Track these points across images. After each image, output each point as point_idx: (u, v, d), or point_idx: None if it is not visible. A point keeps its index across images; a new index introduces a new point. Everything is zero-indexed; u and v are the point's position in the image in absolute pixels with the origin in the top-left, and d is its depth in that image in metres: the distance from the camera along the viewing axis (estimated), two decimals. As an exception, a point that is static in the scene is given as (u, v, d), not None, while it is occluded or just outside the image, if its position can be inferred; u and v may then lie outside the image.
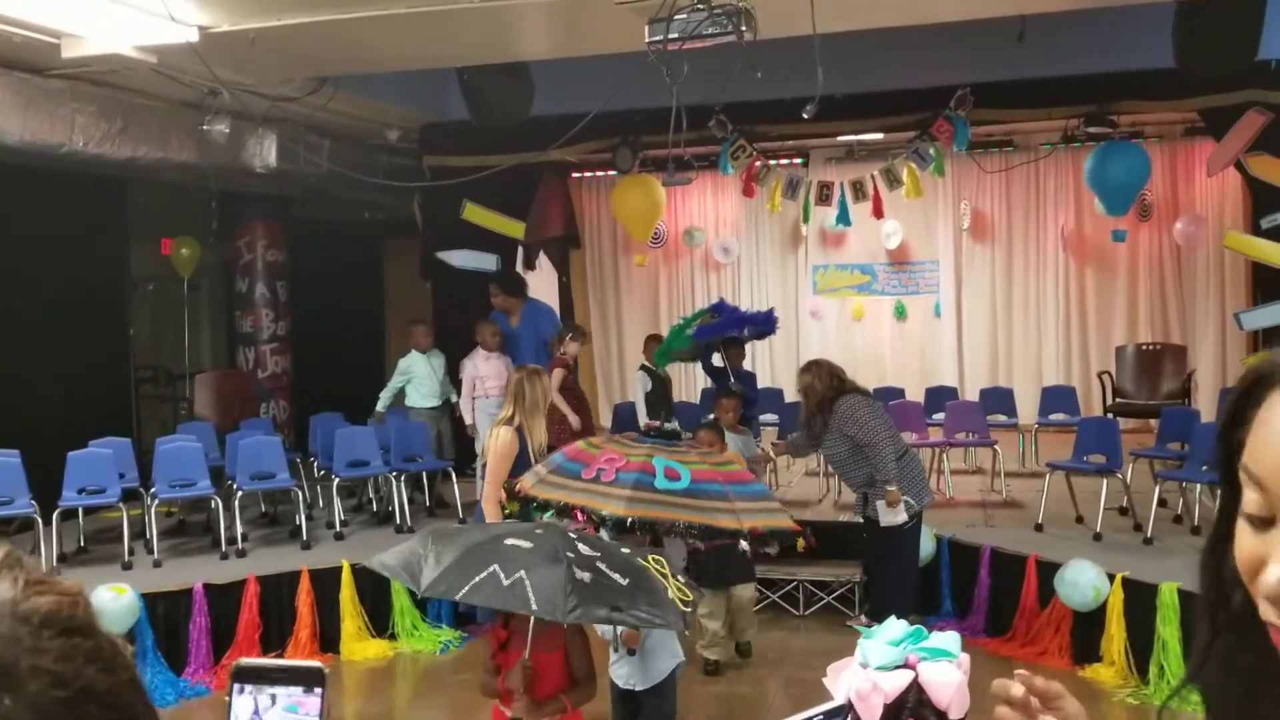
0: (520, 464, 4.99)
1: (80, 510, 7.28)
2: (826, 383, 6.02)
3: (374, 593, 6.75)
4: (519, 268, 10.34)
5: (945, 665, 2.01)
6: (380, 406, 8.88)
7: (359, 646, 6.63)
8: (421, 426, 8.63)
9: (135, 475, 7.56)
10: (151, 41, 6.10)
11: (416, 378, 8.85)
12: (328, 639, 6.61)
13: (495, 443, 5.14)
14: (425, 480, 8.55)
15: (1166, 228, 10.50)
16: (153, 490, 7.20)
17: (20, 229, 8.68)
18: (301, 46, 6.80)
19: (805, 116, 5.73)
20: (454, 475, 8.29)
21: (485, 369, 8.43)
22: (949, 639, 2.03)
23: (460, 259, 9.77)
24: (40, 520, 6.66)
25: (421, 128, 10.00)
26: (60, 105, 6.98)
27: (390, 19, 6.27)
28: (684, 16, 4.99)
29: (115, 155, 7.53)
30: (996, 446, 8.20)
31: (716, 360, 7.93)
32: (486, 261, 9.82)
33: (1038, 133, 10.33)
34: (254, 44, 6.38)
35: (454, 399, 8.82)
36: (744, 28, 4.99)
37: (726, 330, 7.81)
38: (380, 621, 6.77)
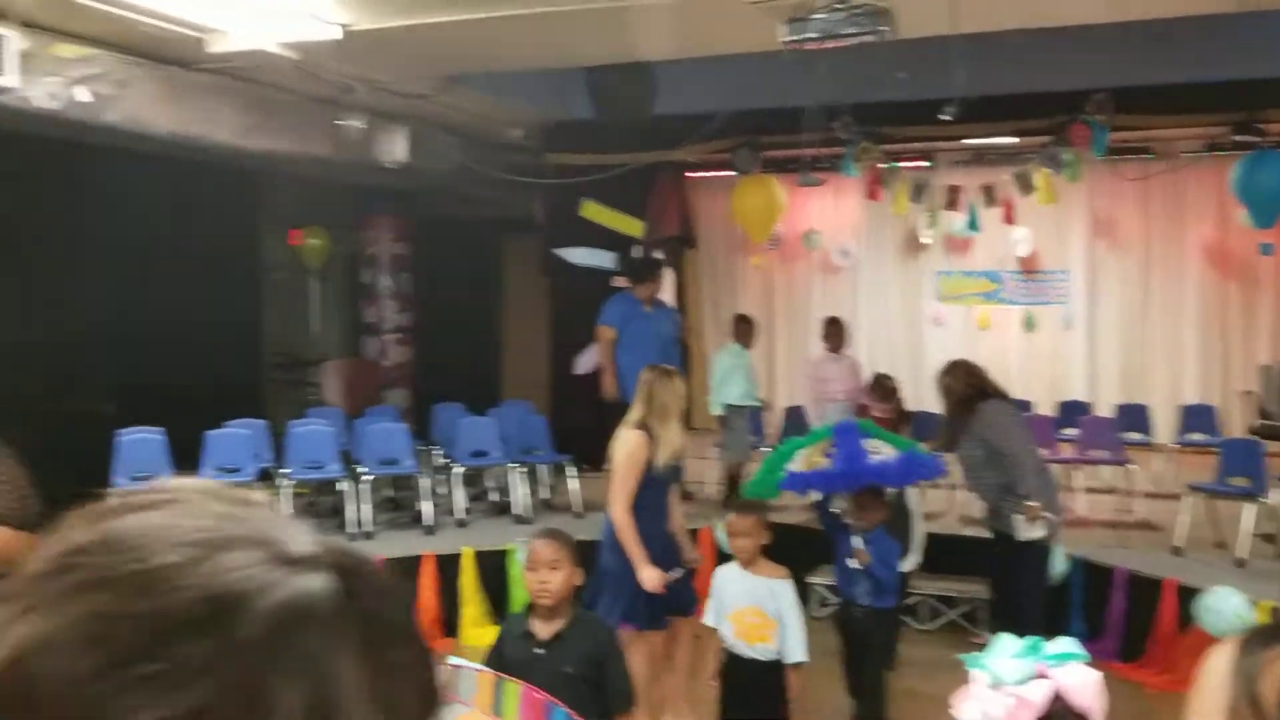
0: (646, 471, 4.83)
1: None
2: (964, 383, 5.79)
3: (494, 579, 6.85)
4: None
5: (1078, 667, 1.93)
6: (716, 409, 8.58)
7: (478, 632, 6.71)
8: (538, 420, 8.71)
9: (269, 456, 7.82)
10: (297, 39, 6.28)
11: (732, 374, 8.56)
12: (449, 624, 6.73)
13: (621, 446, 4.94)
14: (542, 473, 8.59)
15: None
16: (285, 471, 7.43)
17: (162, 218, 9.03)
18: (434, 45, 6.93)
19: (943, 119, 5.54)
20: (574, 470, 8.29)
21: (829, 370, 8.35)
22: (1068, 643, 1.94)
23: (578, 256, 9.84)
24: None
25: (545, 126, 10.10)
26: (205, 99, 7.24)
27: (520, 19, 6.34)
28: (822, 16, 4.90)
29: (254, 148, 7.77)
30: (1132, 465, 7.89)
31: (837, 507, 5.21)
32: (604, 259, 9.87)
33: (1179, 140, 9.92)
34: (390, 44, 6.52)
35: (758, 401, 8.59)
36: (883, 27, 4.88)
37: (841, 484, 5.09)
38: (501, 608, 6.84)
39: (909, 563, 5.81)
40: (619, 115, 8.71)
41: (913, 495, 6.03)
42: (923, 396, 9.41)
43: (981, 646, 2.04)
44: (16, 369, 5.22)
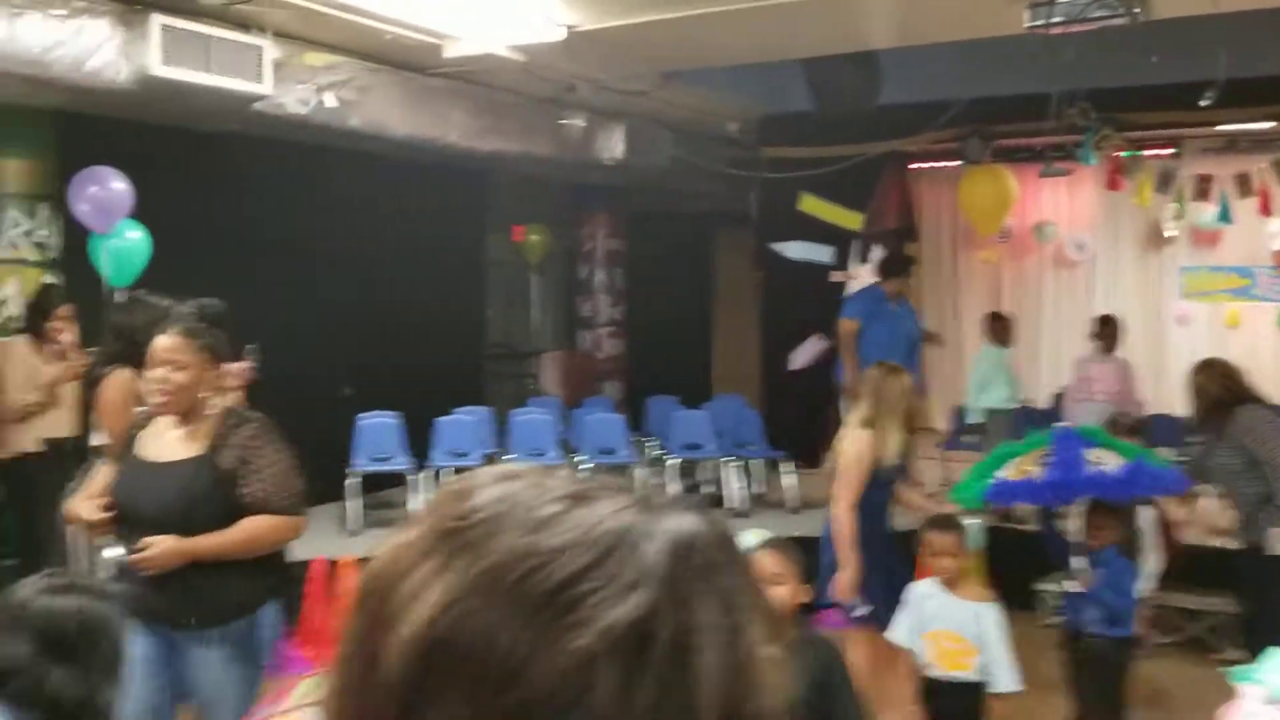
0: (872, 471, 4.77)
1: (437, 472, 7.92)
2: (1220, 384, 5.38)
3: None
4: (852, 261, 10.14)
5: None
6: (976, 416, 8.44)
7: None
8: (752, 414, 8.66)
9: (493, 443, 8.13)
10: (524, 41, 6.46)
11: (994, 376, 8.39)
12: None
13: (850, 446, 4.88)
14: (756, 467, 8.54)
15: None
16: (510, 457, 7.71)
17: (396, 216, 9.50)
18: (653, 43, 6.99)
19: (1202, 104, 5.13)
20: (790, 466, 8.19)
21: (1096, 371, 8.22)
22: None
23: (794, 250, 9.73)
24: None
25: (761, 119, 10.02)
26: (438, 103, 7.55)
27: (736, 12, 6.32)
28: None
29: (482, 149, 8.06)
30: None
31: (1062, 523, 4.85)
32: (820, 253, 9.72)
33: None
34: (611, 42, 6.62)
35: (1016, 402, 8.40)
36: (1136, 9, 4.56)
37: (1051, 496, 4.71)
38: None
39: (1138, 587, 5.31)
40: (838, 107, 8.54)
41: (1146, 513, 5.43)
42: (1166, 399, 8.82)
43: (1229, 664, 1.90)
44: (268, 358, 5.64)
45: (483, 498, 0.62)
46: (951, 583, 4.16)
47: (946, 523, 4.36)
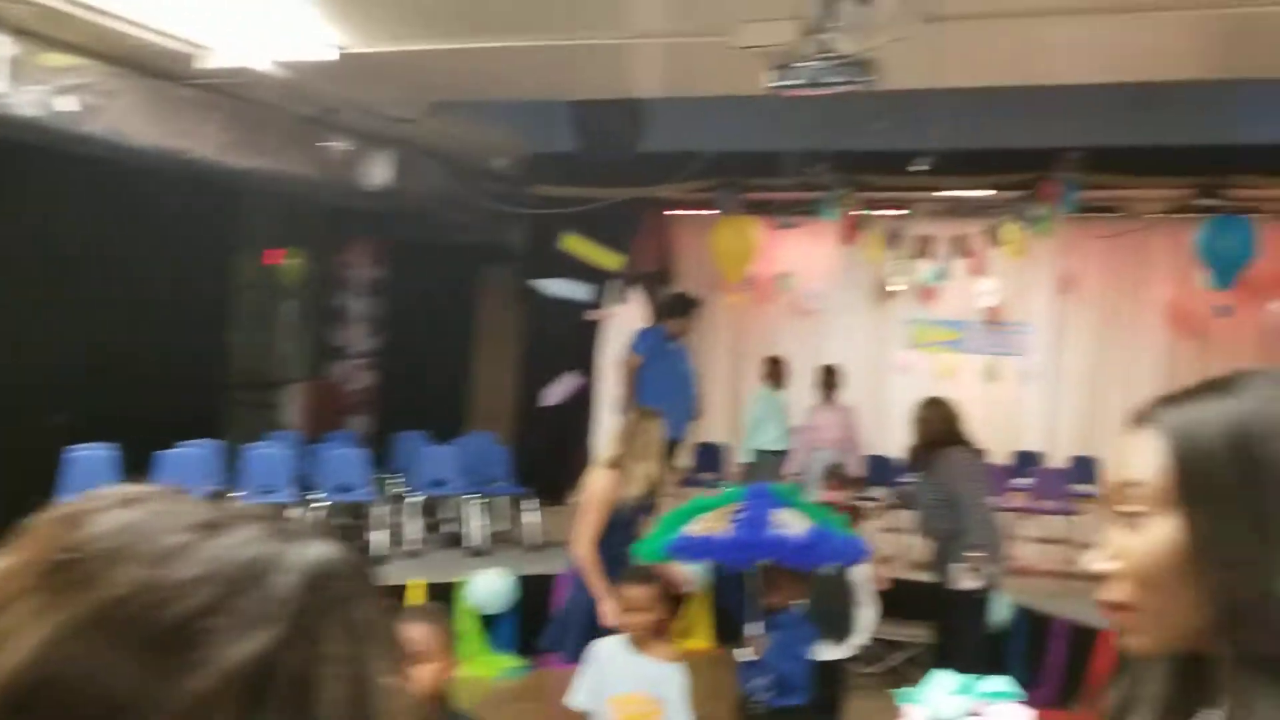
0: (614, 509, 4.84)
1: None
2: (940, 422, 5.92)
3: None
4: (610, 301, 10.42)
5: (1011, 706, 1.98)
6: (747, 456, 8.58)
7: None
8: (500, 450, 8.69)
9: (222, 478, 7.72)
10: (294, 58, 6.31)
11: (767, 418, 8.59)
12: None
13: (591, 483, 4.94)
14: (500, 505, 8.57)
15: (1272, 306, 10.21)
16: (236, 495, 7.34)
17: (137, 231, 8.97)
18: (426, 71, 7.00)
19: (915, 170, 5.66)
20: (533, 503, 8.27)
21: (821, 419, 8.43)
22: (1002, 682, 2.00)
23: (555, 288, 9.90)
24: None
25: (529, 157, 10.18)
26: (189, 113, 7.24)
27: (512, 50, 6.44)
28: (808, 64, 5.02)
29: (236, 165, 7.77)
30: (1080, 516, 8.02)
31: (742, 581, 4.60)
32: (580, 292, 9.94)
33: (1146, 200, 10.15)
34: (383, 67, 6.58)
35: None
36: (868, 77, 5.01)
37: (733, 556, 4.47)
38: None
39: (842, 649, 5.13)
40: (603, 150, 8.82)
41: (861, 569, 5.24)
42: (884, 442, 9.53)
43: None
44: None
45: (100, 526, 0.56)
46: (642, 640, 3.89)
47: (643, 575, 4.06)
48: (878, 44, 5.11)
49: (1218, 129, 8.61)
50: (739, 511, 4.36)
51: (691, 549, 4.43)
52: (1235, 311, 9.65)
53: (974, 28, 5.91)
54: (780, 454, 8.66)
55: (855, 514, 6.02)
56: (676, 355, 8.19)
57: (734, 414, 10.89)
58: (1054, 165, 8.85)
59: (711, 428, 10.13)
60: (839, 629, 5.03)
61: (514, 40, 6.33)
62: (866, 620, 5.30)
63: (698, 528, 4.38)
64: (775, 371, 9.01)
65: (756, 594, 4.36)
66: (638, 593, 3.93)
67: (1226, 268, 9.07)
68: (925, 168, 6.04)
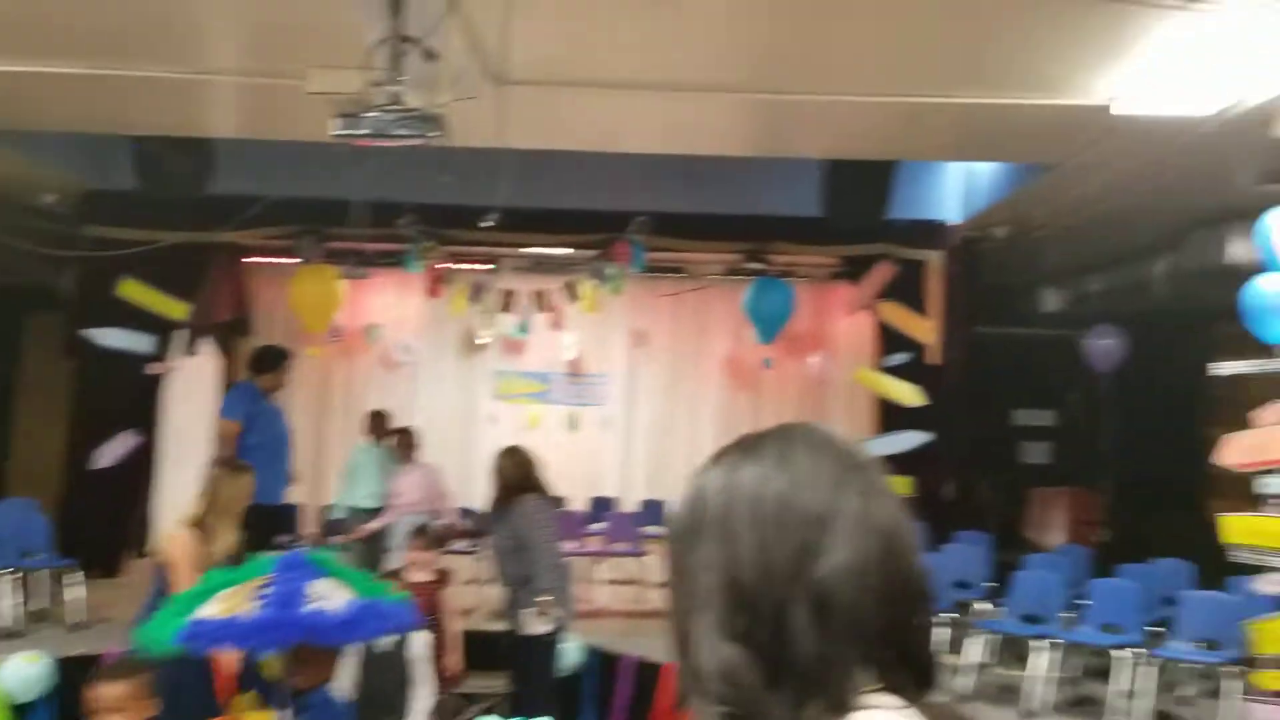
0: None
1: None
2: (516, 472, 6.07)
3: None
4: (180, 352, 9.74)
5: None
6: (339, 512, 8.04)
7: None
8: (41, 519, 7.80)
9: None
10: None
11: (362, 473, 8.10)
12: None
13: (171, 546, 4.65)
14: (40, 579, 7.64)
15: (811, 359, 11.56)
16: None
17: None
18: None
19: (483, 226, 5.86)
20: (79, 576, 7.47)
21: (404, 481, 7.95)
22: None
23: (112, 338, 9.09)
24: None
25: (83, 194, 9.32)
26: None
27: (69, 77, 5.92)
28: (375, 114, 5.03)
29: None
30: (647, 557, 8.58)
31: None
32: (140, 342, 9.20)
33: (705, 263, 11.14)
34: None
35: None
36: (434, 133, 5.11)
37: (262, 639, 3.87)
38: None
39: None
40: (165, 190, 8.26)
41: (418, 640, 4.91)
42: (473, 493, 9.64)
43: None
44: None
45: None
46: None
47: (121, 669, 3.55)
48: (444, 101, 5.23)
49: (760, 201, 9.67)
50: (267, 586, 3.72)
51: (208, 635, 3.64)
52: (778, 364, 10.78)
53: (541, 94, 6.23)
54: (374, 511, 8.48)
55: (442, 579, 5.93)
56: (273, 414, 7.80)
57: (318, 471, 10.55)
58: (624, 228, 9.48)
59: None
60: (391, 710, 4.80)
61: (68, 67, 5.82)
62: (422, 701, 4.94)
63: (215, 609, 3.68)
64: (378, 426, 8.85)
65: (285, 674, 3.96)
66: (112, 691, 3.32)
67: (769, 325, 10.16)
68: (493, 224, 6.24)
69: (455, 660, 5.77)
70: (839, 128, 7.08)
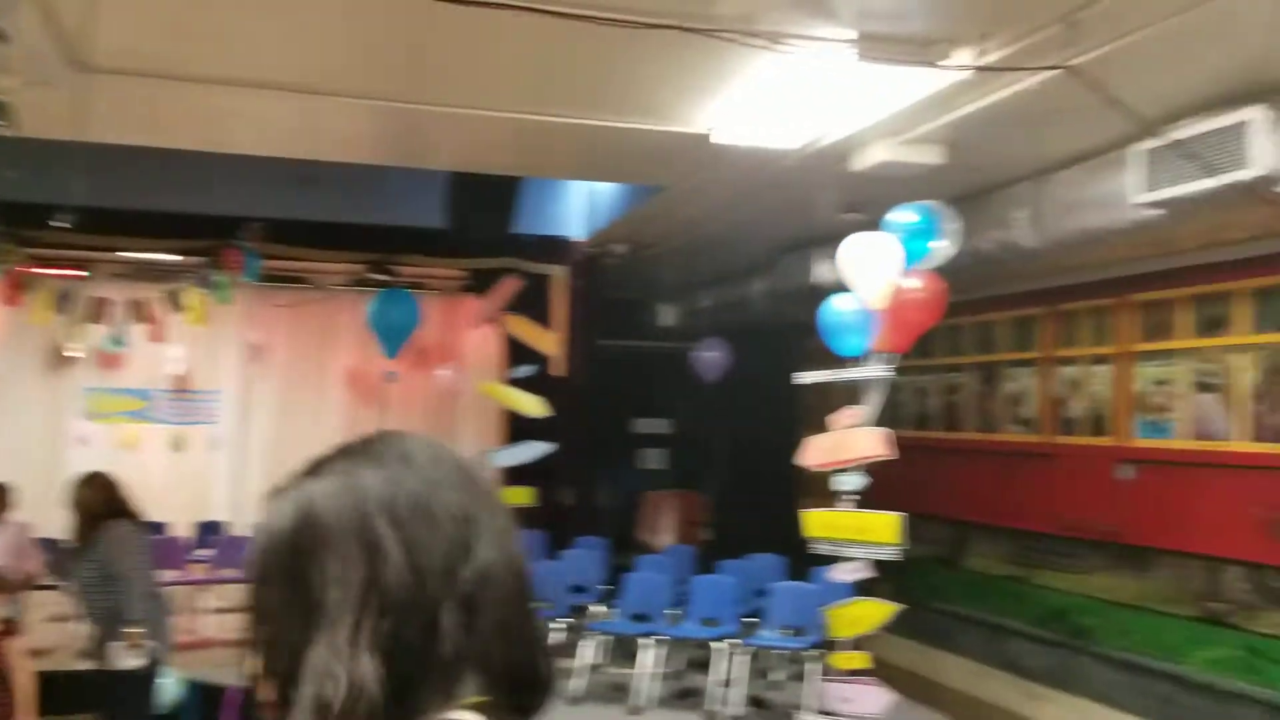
0: None
1: None
2: (97, 498, 5.53)
3: None
4: None
5: None
6: None
7: None
8: None
9: None
10: None
11: None
12: None
13: None
14: None
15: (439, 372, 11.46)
16: None
17: None
18: None
19: (57, 226, 5.30)
20: None
21: None
22: None
23: None
24: None
25: None
26: None
27: None
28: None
29: None
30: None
31: None
32: None
33: (329, 273, 10.75)
34: None
35: None
36: (3, 122, 4.53)
37: None
38: None
39: None
40: None
41: None
42: (56, 523, 8.66)
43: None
44: None
45: None
46: None
47: None
48: (14, 86, 4.66)
49: (385, 211, 9.49)
50: None
51: None
52: (402, 377, 10.60)
53: (132, 84, 5.72)
54: None
55: (9, 628, 5.30)
56: None
57: None
58: (236, 233, 8.94)
59: None
60: None
61: None
62: None
63: None
64: None
65: None
66: None
67: (394, 337, 9.96)
68: (68, 225, 5.66)
69: (26, 715, 5.15)
70: (469, 140, 7.07)
